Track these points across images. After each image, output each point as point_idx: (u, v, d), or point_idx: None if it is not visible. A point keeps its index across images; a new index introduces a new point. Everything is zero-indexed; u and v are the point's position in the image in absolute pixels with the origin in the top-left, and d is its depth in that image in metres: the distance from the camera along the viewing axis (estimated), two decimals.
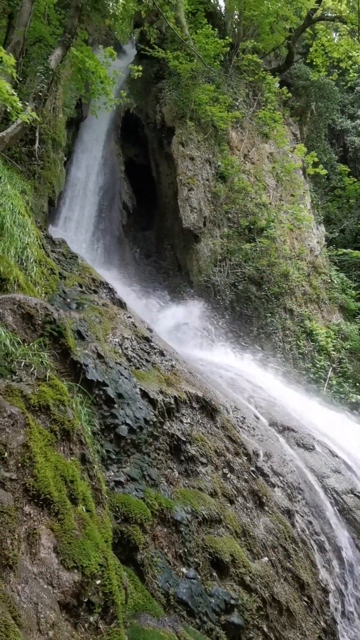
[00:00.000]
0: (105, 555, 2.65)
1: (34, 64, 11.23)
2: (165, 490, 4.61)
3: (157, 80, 17.25)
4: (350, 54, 19.16)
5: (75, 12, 10.80)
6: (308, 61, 20.22)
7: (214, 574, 4.47)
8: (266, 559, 5.22)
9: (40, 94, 9.67)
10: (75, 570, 2.36)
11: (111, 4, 18.05)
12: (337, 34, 21.65)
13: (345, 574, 6.29)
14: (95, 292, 7.51)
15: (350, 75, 21.01)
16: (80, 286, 7.33)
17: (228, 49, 16.64)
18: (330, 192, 22.30)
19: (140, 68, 13.47)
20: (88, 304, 6.50)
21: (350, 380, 13.60)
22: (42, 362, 3.64)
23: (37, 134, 11.50)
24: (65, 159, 13.73)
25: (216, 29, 16.54)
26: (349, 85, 24.77)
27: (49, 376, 3.42)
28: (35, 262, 6.08)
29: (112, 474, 4.30)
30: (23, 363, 3.41)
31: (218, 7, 21.70)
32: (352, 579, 6.30)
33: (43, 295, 5.96)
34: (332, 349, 14.18)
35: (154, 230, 17.00)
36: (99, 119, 15.05)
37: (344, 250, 17.65)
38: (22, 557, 2.19)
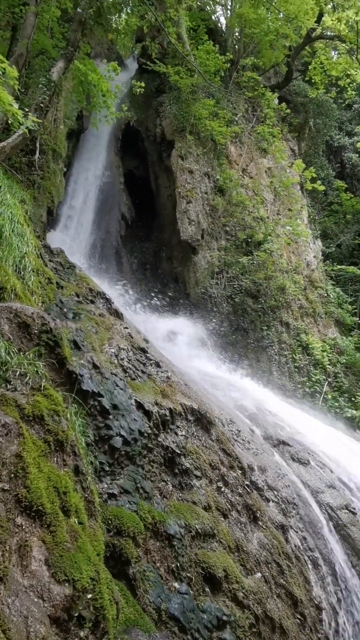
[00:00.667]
0: (97, 569, 2.61)
1: (36, 75, 11.35)
2: (158, 504, 4.57)
3: (157, 94, 17.46)
4: (348, 72, 19.50)
5: (79, 26, 10.96)
6: (307, 78, 20.56)
7: (207, 589, 4.41)
8: (259, 574, 5.16)
9: (42, 105, 9.77)
10: (67, 584, 2.33)
11: (114, 19, 18.32)
12: (336, 52, 22.06)
13: (339, 591, 6.22)
14: (92, 302, 7.51)
15: (349, 93, 21.38)
16: (78, 296, 7.34)
17: (228, 65, 16.90)
18: (327, 207, 22.53)
19: (143, 85, 13.67)
20: (85, 313, 6.49)
21: (346, 395, 13.60)
22: (37, 371, 3.63)
23: (37, 145, 11.58)
24: (65, 169, 13.82)
25: (217, 45, 16.81)
26: (347, 102, 25.18)
27: (44, 386, 3.41)
28: (33, 271, 6.09)
29: (106, 486, 4.26)
30: (18, 372, 3.40)
31: (219, 24, 22.07)
32: (346, 597, 6.23)
33: (40, 304, 5.96)
34: (328, 363, 14.20)
35: (152, 242, 17.08)
36: (100, 131, 15.19)
37: (340, 267, 17.79)
38: (12, 569, 2.16)
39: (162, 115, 16.62)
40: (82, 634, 2.31)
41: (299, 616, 5.38)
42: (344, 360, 14.64)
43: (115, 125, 16.74)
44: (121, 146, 17.45)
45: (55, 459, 3.04)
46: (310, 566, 6.13)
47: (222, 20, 23.47)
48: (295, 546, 6.15)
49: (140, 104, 17.75)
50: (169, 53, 17.05)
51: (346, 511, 7.21)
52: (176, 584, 4.11)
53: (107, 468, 4.40)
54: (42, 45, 11.71)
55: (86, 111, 13.17)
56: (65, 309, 6.52)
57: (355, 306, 17.81)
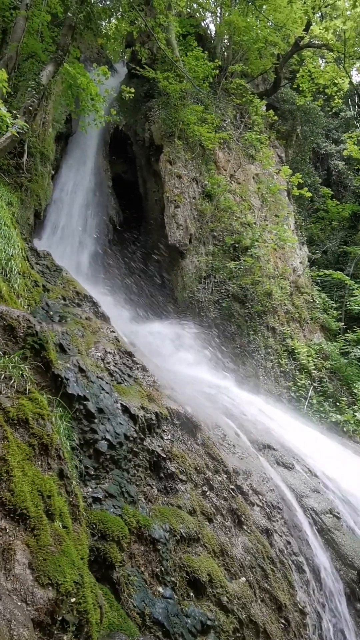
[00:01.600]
0: (81, 573, 2.61)
1: (25, 78, 11.34)
2: (143, 508, 4.57)
3: (146, 99, 17.53)
4: (335, 81, 19.80)
5: (69, 31, 10.98)
6: (295, 86, 20.83)
7: (191, 593, 4.42)
8: (244, 579, 5.17)
9: (31, 108, 9.76)
10: (50, 588, 2.33)
11: (104, 24, 18.38)
12: (324, 61, 22.39)
13: (323, 595, 6.26)
14: (79, 305, 7.50)
15: (335, 101, 21.69)
16: (64, 299, 7.32)
17: (217, 71, 17.03)
18: (313, 213, 22.81)
19: (133, 90, 13.72)
20: (71, 317, 6.48)
21: (331, 400, 13.72)
22: (22, 374, 3.62)
23: (25, 147, 11.55)
24: (53, 172, 13.79)
25: (206, 52, 16.94)
26: (333, 110, 25.54)
27: (29, 389, 3.40)
28: (19, 273, 6.07)
29: (90, 490, 4.25)
30: (3, 375, 3.38)
31: (208, 31, 22.26)
32: (330, 602, 6.27)
33: (26, 307, 5.94)
34: (313, 368, 14.32)
35: (139, 246, 17.09)
36: (88, 134, 15.19)
37: (326, 272, 17.98)
38: None
39: (150, 120, 16.69)
40: (65, 637, 2.30)
41: (283, 621, 5.40)
42: (329, 365, 14.78)
43: (104, 129, 16.76)
44: (110, 150, 17.46)
45: (39, 462, 3.03)
46: (294, 570, 6.16)
47: (212, 27, 23.70)
48: (280, 550, 6.18)
49: (129, 108, 17.80)
50: (159, 58, 17.14)
51: (330, 515, 7.27)
52: (160, 589, 4.11)
53: (92, 472, 4.39)
54: (32, 48, 11.72)
55: (75, 114, 13.18)
56: (51, 312, 6.50)
57: (340, 312, 18.01)
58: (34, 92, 9.87)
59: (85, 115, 11.78)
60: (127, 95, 13.39)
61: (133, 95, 13.78)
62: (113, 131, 17.37)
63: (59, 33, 11.63)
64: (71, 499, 3.21)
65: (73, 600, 2.43)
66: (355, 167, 24.07)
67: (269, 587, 5.45)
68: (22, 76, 11.52)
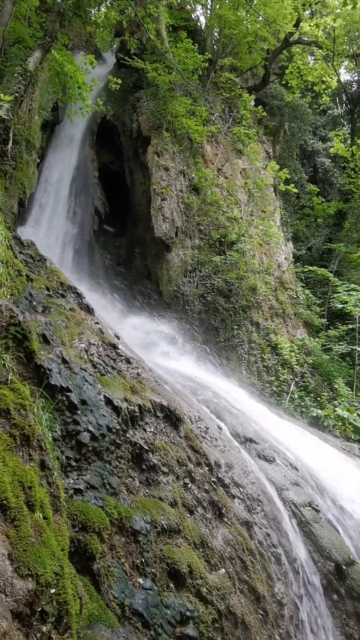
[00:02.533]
0: (61, 564, 2.59)
1: (12, 64, 11.11)
2: (125, 499, 4.56)
3: (135, 90, 17.35)
4: (323, 79, 19.87)
5: (57, 17, 10.79)
6: (283, 82, 20.84)
7: (171, 585, 4.44)
8: (223, 570, 5.22)
9: (17, 94, 9.58)
10: (30, 579, 2.31)
11: (93, 12, 18.12)
12: (313, 58, 22.45)
13: (301, 587, 6.36)
14: (63, 296, 7.42)
15: (323, 99, 21.79)
16: (48, 289, 7.23)
17: (207, 64, 16.94)
18: (299, 210, 22.95)
19: (119, 81, 13.54)
20: (55, 307, 6.41)
21: (312, 395, 13.88)
22: (4, 364, 3.57)
23: (10, 134, 11.34)
24: (38, 160, 13.59)
25: (196, 45, 16.82)
26: (321, 108, 25.67)
27: (10, 379, 3.36)
28: (2, 262, 5.97)
29: (72, 481, 4.22)
30: None
31: (199, 24, 22.11)
32: (307, 593, 6.37)
33: (8, 296, 5.85)
34: (296, 363, 14.46)
35: (125, 238, 16.98)
36: (75, 124, 14.98)
37: (310, 268, 18.13)
38: None
39: (139, 111, 16.54)
40: (44, 629, 2.29)
41: (261, 612, 5.47)
42: (311, 361, 14.95)
43: (91, 118, 16.56)
44: (97, 140, 17.26)
45: (21, 453, 3.00)
46: (273, 562, 6.24)
47: (202, 20, 23.54)
48: (259, 542, 6.25)
49: (118, 98, 17.61)
50: (148, 49, 16.96)
51: (309, 508, 7.37)
52: (141, 580, 4.12)
53: (73, 463, 4.36)
54: (19, 34, 11.48)
55: (61, 102, 12.99)
56: (34, 302, 6.42)
57: (323, 308, 18.20)
58: (21, 79, 9.69)
59: (71, 103, 11.62)
60: (114, 85, 13.22)
61: (120, 85, 13.62)
62: (100, 121, 17.16)
63: (47, 19, 11.41)
64: (52, 490, 3.19)
65: (53, 591, 2.42)
66: (342, 165, 24.25)
67: (248, 578, 5.51)
68: (9, 61, 11.28)
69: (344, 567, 6.64)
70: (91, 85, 11.37)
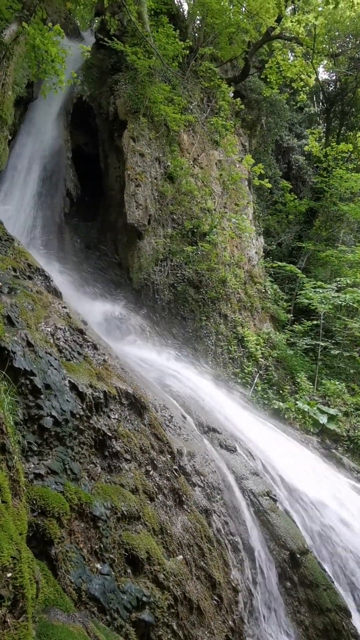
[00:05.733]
0: (18, 548, 2.56)
1: None
2: (86, 485, 4.54)
3: (113, 72, 16.98)
4: (302, 76, 20.02)
5: None
6: (263, 76, 20.86)
7: (129, 570, 4.46)
8: (181, 557, 5.28)
9: None
10: None
11: None
12: (293, 54, 22.54)
13: (256, 574, 6.52)
14: (30, 278, 7.25)
15: (301, 96, 21.98)
16: (15, 270, 7.05)
17: (187, 52, 16.74)
18: (271, 205, 23.14)
19: (89, 48, 13.13)
20: (21, 289, 6.26)
21: (275, 388, 14.15)
22: None
23: None
24: (10, 137, 13.16)
25: (177, 31, 16.59)
26: (298, 105, 25.87)
27: None
28: None
29: (33, 465, 4.17)
30: None
31: (181, 10, 21.80)
32: (262, 580, 6.54)
33: None
34: (261, 356, 14.69)
35: (97, 222, 16.71)
36: (50, 102, 14.57)
37: (279, 264, 18.37)
38: None
39: (116, 94, 16.22)
40: None
41: (216, 598, 5.58)
42: (276, 355, 15.21)
43: (67, 98, 16.14)
44: (71, 120, 16.83)
45: None
46: (230, 550, 6.36)
47: (185, 7, 23.23)
48: (217, 530, 6.35)
49: (95, 79, 17.20)
50: (129, 32, 16.61)
51: (267, 498, 7.53)
52: (98, 565, 4.12)
53: (35, 448, 4.30)
54: None
55: (35, 78, 12.57)
56: (0, 283, 6.25)
57: (290, 303, 18.52)
58: None
59: (45, 78, 11.26)
60: (86, 54, 12.88)
61: (98, 64, 13.30)
62: (76, 101, 16.73)
63: None
64: (12, 474, 3.13)
65: (9, 575, 2.38)
66: (315, 164, 24.57)
67: (205, 565, 5.60)
68: None
69: (298, 556, 6.84)
70: (63, 56, 10.99)
